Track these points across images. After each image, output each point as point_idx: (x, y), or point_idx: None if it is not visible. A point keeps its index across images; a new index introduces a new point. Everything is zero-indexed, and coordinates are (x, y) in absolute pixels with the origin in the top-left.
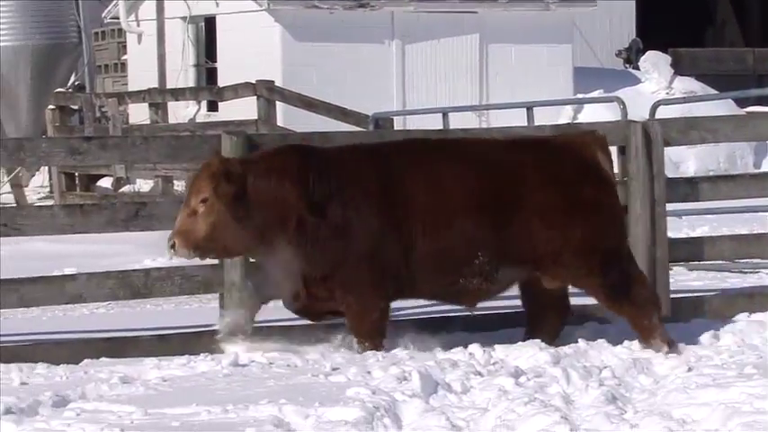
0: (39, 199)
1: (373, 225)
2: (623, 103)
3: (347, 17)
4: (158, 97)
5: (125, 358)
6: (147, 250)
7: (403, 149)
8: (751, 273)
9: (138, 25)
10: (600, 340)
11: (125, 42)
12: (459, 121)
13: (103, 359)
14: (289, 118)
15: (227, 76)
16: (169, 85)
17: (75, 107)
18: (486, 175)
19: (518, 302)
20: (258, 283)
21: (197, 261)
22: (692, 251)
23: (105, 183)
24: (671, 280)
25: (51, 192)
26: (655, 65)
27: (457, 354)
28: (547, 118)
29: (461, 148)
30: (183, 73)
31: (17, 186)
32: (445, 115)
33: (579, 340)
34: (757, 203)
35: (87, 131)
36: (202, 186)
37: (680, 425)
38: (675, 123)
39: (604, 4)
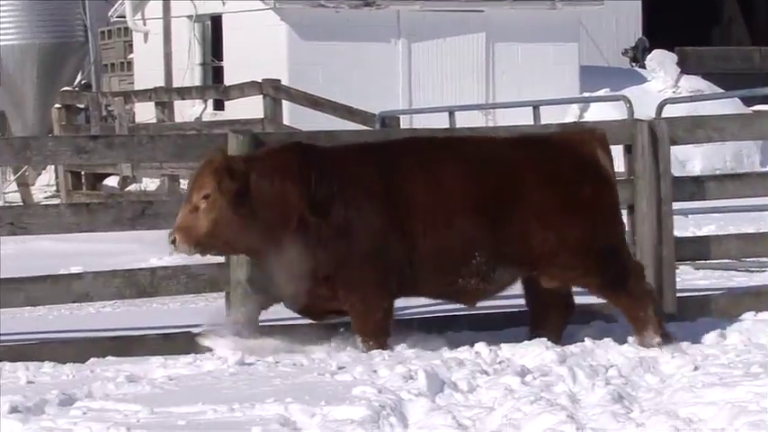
0: (45, 198)
1: (375, 224)
2: (630, 102)
3: (353, 16)
4: (164, 96)
5: (131, 357)
6: (153, 249)
7: (402, 148)
8: (758, 271)
9: (145, 24)
10: (606, 339)
11: (131, 41)
12: (465, 120)
13: (110, 358)
14: (295, 117)
15: (233, 74)
16: (175, 84)
17: (82, 106)
18: (485, 174)
19: (523, 301)
20: (259, 288)
21: (204, 259)
22: (698, 250)
23: (112, 181)
24: (677, 279)
25: (57, 190)
26: (661, 63)
27: (463, 352)
28: (553, 117)
29: (461, 146)
30: (189, 72)
31: (23, 185)
32: (451, 114)
33: (585, 339)
34: (764, 202)
35: (93, 130)
36: (205, 182)
37: (686, 424)
38: (682, 122)
39: (611, 3)
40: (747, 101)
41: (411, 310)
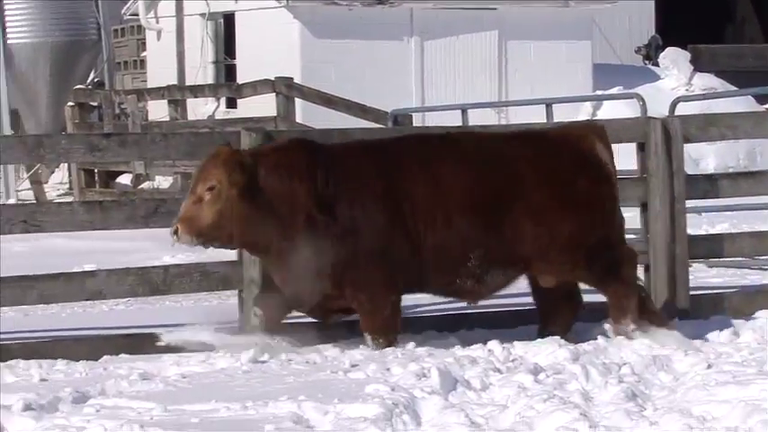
0: (58, 195)
1: (380, 222)
2: (643, 100)
3: (366, 14)
4: (177, 94)
5: (144, 355)
6: (166, 247)
7: (402, 145)
8: None
9: (158, 22)
10: (619, 337)
11: (144, 39)
12: (478, 118)
13: (123, 355)
14: (308, 115)
15: (245, 72)
16: (188, 82)
17: (95, 104)
18: (484, 171)
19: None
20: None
21: (217, 257)
22: (711, 248)
23: (125, 179)
24: (690, 277)
25: (71, 188)
26: (674, 61)
27: (476, 351)
28: (566, 115)
29: (461, 143)
30: (201, 70)
31: (37, 183)
32: (464, 112)
33: (598, 337)
34: None
35: (106, 128)
36: (211, 174)
37: (700, 422)
38: (695, 120)
39: (624, 1)
40: (761, 99)
41: (423, 308)
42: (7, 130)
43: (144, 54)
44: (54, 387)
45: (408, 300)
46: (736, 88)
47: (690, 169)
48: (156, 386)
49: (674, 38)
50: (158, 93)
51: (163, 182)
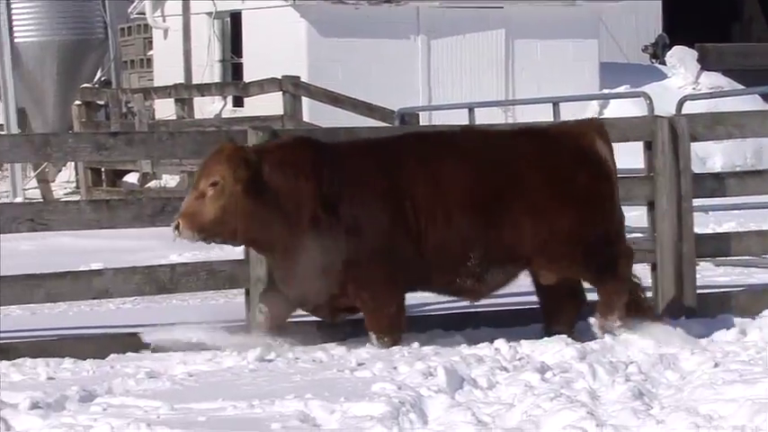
0: (65, 194)
1: (383, 221)
2: (650, 99)
3: (373, 13)
4: (184, 93)
5: (151, 353)
6: (172, 246)
7: (403, 144)
8: None
9: (164, 21)
10: (626, 336)
11: (151, 38)
12: (484, 117)
13: (130, 354)
14: (314, 113)
15: (252, 71)
16: (195, 81)
17: (102, 103)
18: (484, 168)
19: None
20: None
21: (224, 256)
22: (718, 247)
23: (131, 178)
24: (697, 275)
25: (77, 187)
26: (681, 60)
27: (483, 349)
28: (573, 113)
29: (461, 140)
30: (208, 68)
31: (44, 182)
32: (471, 110)
33: (605, 335)
34: None
35: (113, 127)
36: (214, 170)
37: (707, 421)
38: (702, 118)
39: (631, 0)
40: None
41: (430, 307)
42: (14, 129)
43: (151, 53)
44: (61, 385)
45: (415, 298)
46: (743, 87)
47: (697, 168)
48: (162, 385)
49: (681, 36)
50: (165, 91)
51: (170, 180)
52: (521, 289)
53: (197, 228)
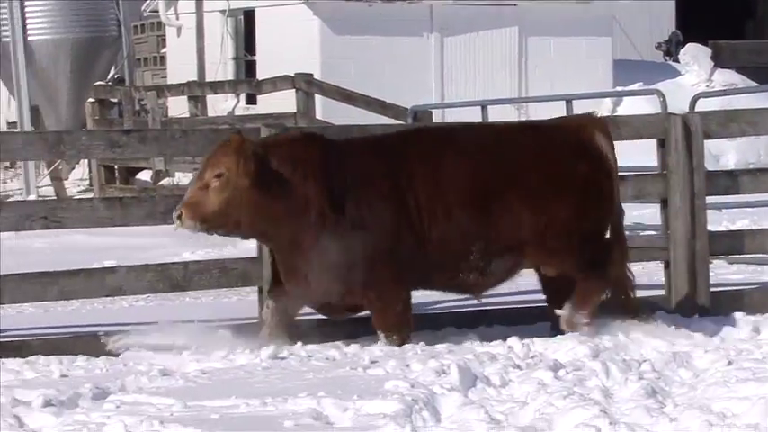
0: (78, 192)
1: (387, 218)
2: (663, 96)
3: (386, 10)
4: (197, 90)
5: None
6: (185, 243)
7: (405, 140)
8: None
9: (178, 18)
10: (639, 333)
11: (164, 36)
12: (497, 114)
13: (143, 351)
14: (327, 111)
15: (265, 69)
16: (208, 79)
17: (115, 100)
18: (483, 162)
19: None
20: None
21: (236, 253)
22: (732, 244)
23: (144, 176)
24: (711, 273)
25: (91, 185)
26: (695, 57)
27: (496, 347)
28: (586, 111)
29: (462, 136)
30: (221, 66)
31: (57, 179)
32: (484, 108)
33: (618, 334)
34: None
35: (126, 124)
36: (220, 162)
37: (720, 418)
38: (715, 116)
39: None
40: None
41: (442, 304)
42: (28, 127)
43: (164, 50)
44: (74, 383)
45: (427, 296)
46: (756, 84)
47: (710, 165)
48: (175, 382)
49: (695, 34)
50: (178, 89)
51: (182, 178)
52: (533, 287)
53: (199, 218)
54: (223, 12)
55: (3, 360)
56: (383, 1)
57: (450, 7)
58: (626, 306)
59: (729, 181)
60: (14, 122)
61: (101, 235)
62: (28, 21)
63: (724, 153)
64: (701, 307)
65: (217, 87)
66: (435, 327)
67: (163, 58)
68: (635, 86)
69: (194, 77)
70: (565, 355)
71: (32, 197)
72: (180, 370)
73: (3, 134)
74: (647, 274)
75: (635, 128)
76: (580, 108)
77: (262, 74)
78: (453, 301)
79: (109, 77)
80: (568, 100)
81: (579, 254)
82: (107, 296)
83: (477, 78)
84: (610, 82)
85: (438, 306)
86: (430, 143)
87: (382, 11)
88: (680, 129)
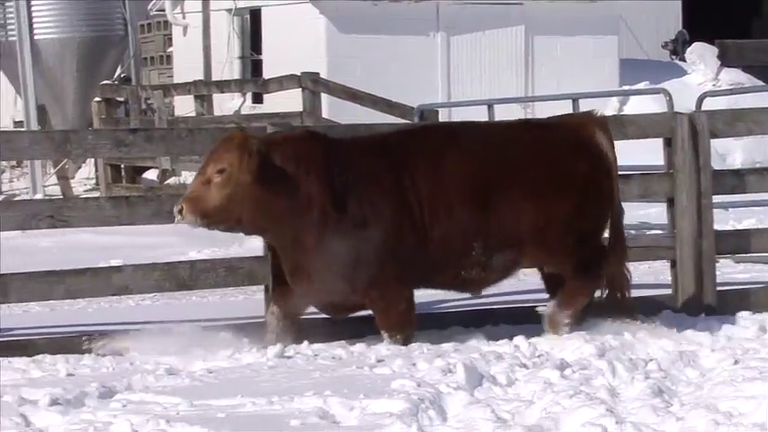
0: (85, 191)
1: (389, 218)
2: (669, 95)
3: (392, 9)
4: (204, 89)
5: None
6: (192, 242)
7: (406, 138)
8: None
9: (184, 17)
10: (645, 333)
11: (171, 35)
12: (504, 113)
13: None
14: (334, 110)
15: (272, 68)
16: (214, 78)
17: (121, 99)
18: (484, 159)
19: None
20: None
21: (243, 252)
22: (738, 243)
23: (151, 175)
24: (717, 272)
25: (97, 184)
26: (701, 56)
27: (502, 346)
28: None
29: (463, 134)
30: (228, 65)
31: (63, 178)
32: (490, 107)
33: (625, 333)
34: None
35: (133, 123)
36: (223, 157)
37: (726, 418)
38: (722, 115)
39: None
40: None
41: (449, 303)
42: (34, 126)
43: (170, 50)
44: (80, 382)
45: (433, 295)
46: (763, 83)
47: (717, 164)
48: (182, 381)
49: (701, 33)
50: (185, 88)
51: (189, 177)
52: (536, 287)
53: (200, 213)
54: (229, 11)
55: (9, 359)
56: (390, 0)
57: (457, 6)
58: (620, 305)
59: (736, 180)
60: (21, 121)
61: (107, 234)
62: (34, 20)
63: (730, 152)
64: (708, 306)
65: (223, 86)
66: (441, 326)
67: (169, 58)
68: (641, 85)
69: (201, 76)
70: (571, 355)
71: (39, 196)
72: (186, 369)
73: (9, 133)
74: (653, 273)
75: (641, 127)
76: (586, 107)
77: (268, 73)
78: (459, 300)
79: (115, 76)
80: (575, 99)
81: (576, 252)
82: (113, 295)
83: (483, 77)
84: (616, 81)
85: (444, 305)
86: (431, 141)
87: (388, 10)
88: (686, 128)
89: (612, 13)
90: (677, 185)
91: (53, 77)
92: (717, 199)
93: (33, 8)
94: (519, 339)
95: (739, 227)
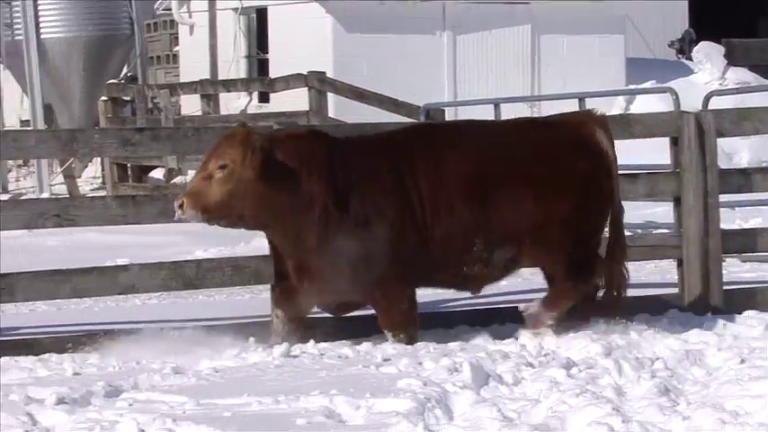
0: (91, 190)
1: (391, 217)
2: (676, 94)
3: (398, 8)
4: (210, 88)
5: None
6: (198, 241)
7: (408, 137)
8: None
9: (190, 17)
10: (652, 332)
11: (177, 34)
12: (510, 112)
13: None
14: (340, 109)
15: (278, 67)
16: (221, 77)
17: (128, 98)
18: (485, 157)
19: None
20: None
21: (249, 252)
22: (745, 242)
23: (157, 174)
24: (724, 271)
25: (103, 183)
26: (708, 55)
27: (508, 345)
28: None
29: (465, 132)
30: (234, 64)
31: (70, 177)
32: (497, 106)
33: (631, 332)
34: None
35: (139, 123)
36: (225, 153)
37: (733, 417)
38: (728, 114)
39: None
40: None
41: (455, 302)
42: (41, 125)
43: (177, 49)
44: (87, 381)
45: (439, 294)
46: None
47: (723, 164)
48: (188, 380)
49: (708, 32)
50: (191, 87)
51: None
52: (544, 286)
53: (201, 208)
54: (236, 10)
55: (16, 358)
56: None
57: (463, 5)
58: (614, 303)
59: (742, 179)
60: (27, 120)
61: (113, 233)
62: (41, 19)
63: (737, 151)
64: (714, 305)
65: (229, 85)
66: (448, 325)
67: (175, 57)
68: (648, 84)
69: (207, 75)
70: (577, 354)
71: (45, 195)
72: (192, 368)
73: (16, 132)
74: (659, 272)
75: (648, 126)
76: (593, 106)
77: (274, 72)
78: (466, 299)
79: (122, 75)
80: (581, 98)
81: (572, 253)
82: (120, 294)
83: (489, 76)
84: (623, 80)
85: (451, 304)
86: (431, 140)
87: (395, 9)
88: (693, 127)
89: (619, 13)
90: (684, 184)
91: (59, 76)
92: (723, 198)
93: (40, 7)
94: (525, 338)
95: (746, 226)
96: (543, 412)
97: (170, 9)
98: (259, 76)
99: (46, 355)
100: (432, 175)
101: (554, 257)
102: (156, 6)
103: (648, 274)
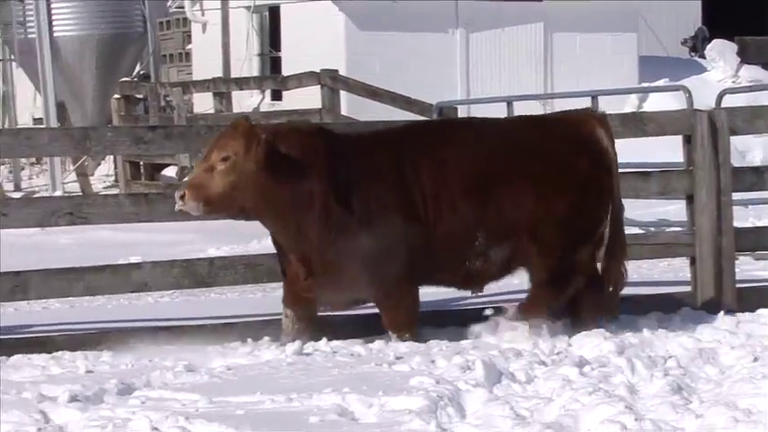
0: (104, 188)
1: (393, 213)
2: (689, 92)
3: (411, 6)
4: (222, 86)
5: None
6: (211, 239)
7: (410, 134)
8: None
9: (203, 15)
10: (665, 330)
11: (190, 32)
12: (523, 110)
13: (168, 347)
14: (353, 107)
15: (290, 65)
16: (233, 75)
17: (140, 96)
18: (486, 155)
19: None
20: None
21: (262, 249)
22: (758, 240)
23: (170, 172)
24: (737, 269)
25: (116, 181)
26: (721, 53)
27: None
28: (611, 107)
29: (465, 130)
30: (247, 62)
31: (83, 175)
32: (509, 104)
33: (644, 330)
34: None
35: (152, 121)
36: (228, 145)
37: (746, 415)
38: (741, 112)
39: None
40: None
41: (467, 301)
42: (54, 123)
43: (189, 47)
44: (100, 379)
45: (451, 293)
46: None
47: (736, 162)
48: (201, 378)
49: (721, 30)
50: (204, 85)
51: None
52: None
53: (202, 200)
54: (248, 8)
55: (29, 356)
56: None
57: (476, 3)
58: (609, 302)
59: (755, 177)
60: (40, 118)
61: (126, 231)
62: (54, 17)
63: (750, 149)
64: (727, 303)
65: (242, 83)
66: (461, 323)
67: (188, 55)
68: (661, 82)
69: (219, 73)
70: (590, 352)
71: (58, 193)
72: (205, 366)
73: (29, 130)
74: (672, 271)
75: (661, 124)
76: (605, 104)
77: (287, 70)
78: (478, 297)
79: (134, 74)
80: (594, 96)
81: (561, 257)
82: (132, 292)
83: (502, 74)
84: (635, 78)
85: (463, 302)
86: (433, 137)
87: (408, 7)
88: (706, 125)
89: (631, 10)
90: (696, 182)
91: (72, 74)
92: (736, 196)
93: (53, 5)
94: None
95: (759, 224)
96: (556, 410)
97: (183, 7)
98: (272, 74)
99: (59, 353)
100: (433, 171)
101: (546, 259)
102: (168, 4)
103: (661, 273)
